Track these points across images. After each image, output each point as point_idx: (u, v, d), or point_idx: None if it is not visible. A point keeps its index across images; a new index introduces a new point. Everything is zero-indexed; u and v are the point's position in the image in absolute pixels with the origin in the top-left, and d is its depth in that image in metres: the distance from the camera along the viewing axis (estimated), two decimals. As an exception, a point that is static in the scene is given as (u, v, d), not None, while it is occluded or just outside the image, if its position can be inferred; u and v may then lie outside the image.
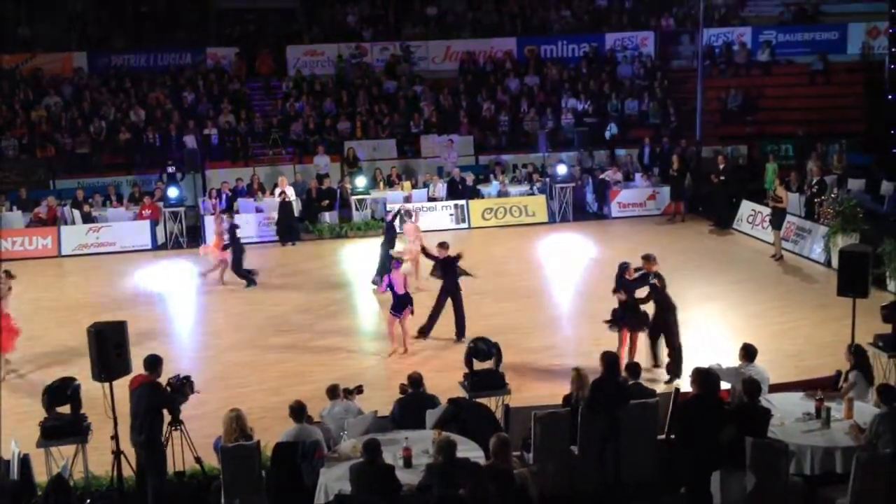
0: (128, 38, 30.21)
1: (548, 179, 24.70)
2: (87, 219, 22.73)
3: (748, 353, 10.26)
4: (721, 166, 23.08)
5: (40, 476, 9.29)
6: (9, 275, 13.34)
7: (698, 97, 25.43)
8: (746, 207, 22.12)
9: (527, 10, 32.20)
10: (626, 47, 30.88)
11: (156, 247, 22.41)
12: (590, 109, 28.27)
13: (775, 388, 10.40)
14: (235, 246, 18.58)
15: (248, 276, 18.64)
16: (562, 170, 24.17)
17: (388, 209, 13.66)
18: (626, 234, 22.45)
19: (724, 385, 9.78)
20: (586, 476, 9.53)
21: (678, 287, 17.05)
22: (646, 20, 31.91)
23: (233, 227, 18.72)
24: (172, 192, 22.86)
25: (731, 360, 10.62)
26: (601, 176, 25.04)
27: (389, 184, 24.75)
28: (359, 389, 10.38)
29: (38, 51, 28.90)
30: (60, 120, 26.75)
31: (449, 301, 14.67)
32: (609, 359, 9.73)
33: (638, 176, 25.13)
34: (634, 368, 10.28)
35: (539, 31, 31.67)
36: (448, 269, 14.64)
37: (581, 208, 24.98)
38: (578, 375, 9.80)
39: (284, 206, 22.48)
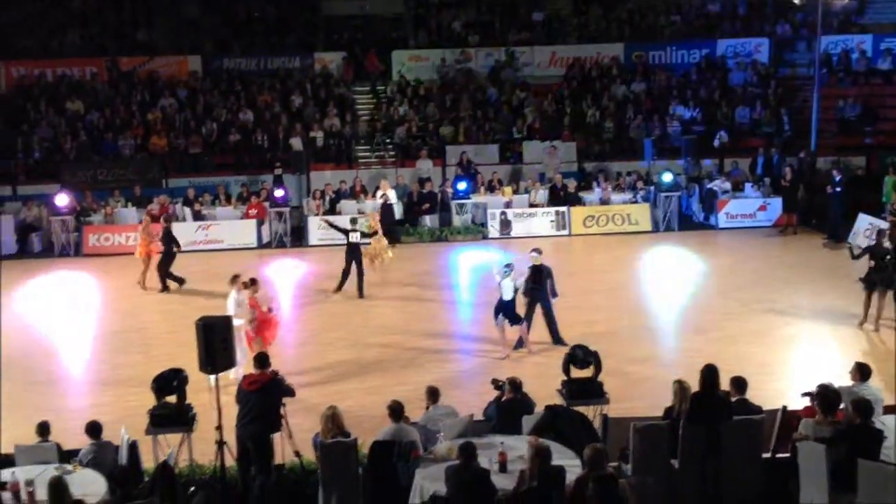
0: (240, 43, 31.05)
1: (652, 187, 24.28)
2: (197, 216, 23.44)
3: (862, 372, 9.84)
4: (837, 178, 22.26)
5: (147, 462, 9.58)
6: (253, 282, 13.67)
7: (814, 106, 24.59)
8: (863, 221, 21.24)
9: (635, 15, 31.80)
10: (739, 54, 30.18)
11: (261, 245, 22.92)
12: (698, 117, 27.71)
13: (890, 409, 9.93)
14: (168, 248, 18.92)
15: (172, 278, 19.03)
16: (667, 178, 23.72)
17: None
18: (733, 245, 21.88)
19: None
20: (686, 491, 9.27)
21: (788, 302, 16.67)
22: (760, 26, 31.12)
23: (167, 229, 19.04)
24: (278, 193, 23.36)
25: (843, 379, 10.19)
26: (709, 185, 24.49)
27: (490, 189, 24.74)
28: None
29: (156, 54, 29.97)
30: (174, 121, 27.65)
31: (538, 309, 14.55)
32: (708, 372, 9.46)
33: (748, 186, 24.46)
34: (740, 383, 9.95)
35: (648, 37, 31.23)
36: (538, 276, 14.47)
37: (686, 218, 24.48)
38: (681, 388, 9.54)
39: (386, 209, 22.70)
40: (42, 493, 7.76)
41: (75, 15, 31.09)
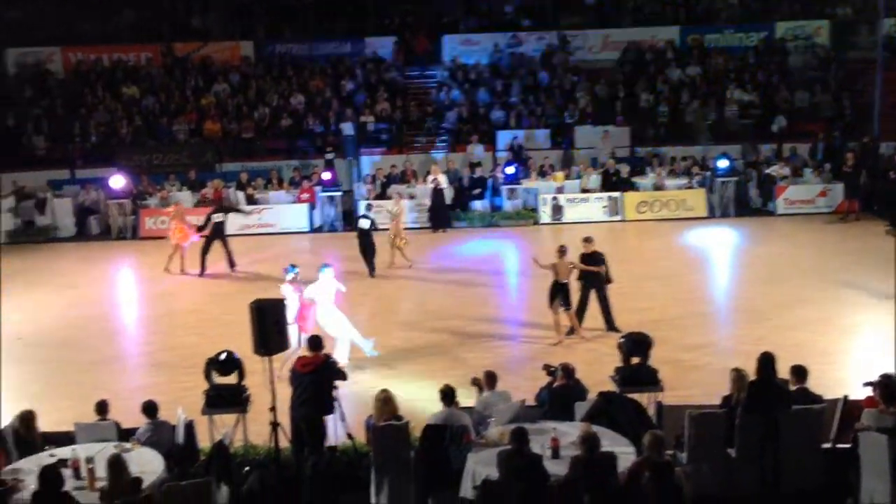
0: (292, 28, 31.17)
1: (708, 173, 23.91)
2: (250, 201, 23.62)
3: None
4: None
5: (203, 442, 9.70)
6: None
7: (877, 90, 23.99)
8: (927, 207, 20.71)
9: (691, -3, 31.32)
10: (798, 37, 29.52)
11: (312, 230, 23.06)
12: (756, 101, 27.20)
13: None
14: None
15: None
16: (723, 163, 23.32)
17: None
18: (791, 231, 21.49)
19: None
20: (743, 480, 9.12)
21: (849, 290, 16.31)
22: (820, 8, 30.44)
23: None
24: (326, 175, 23.46)
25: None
26: (767, 170, 24.05)
27: (542, 174, 24.58)
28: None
29: (209, 40, 30.23)
30: (227, 106, 27.89)
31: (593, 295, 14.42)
32: (764, 360, 9.29)
33: (808, 171, 23.97)
34: (800, 371, 9.75)
35: (704, 20, 30.71)
36: (592, 264, 14.31)
37: (744, 204, 24.06)
38: (739, 376, 9.39)
39: (437, 194, 22.69)
40: (101, 470, 7.88)
41: (131, 1, 31.48)
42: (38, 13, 30.70)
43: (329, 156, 25.22)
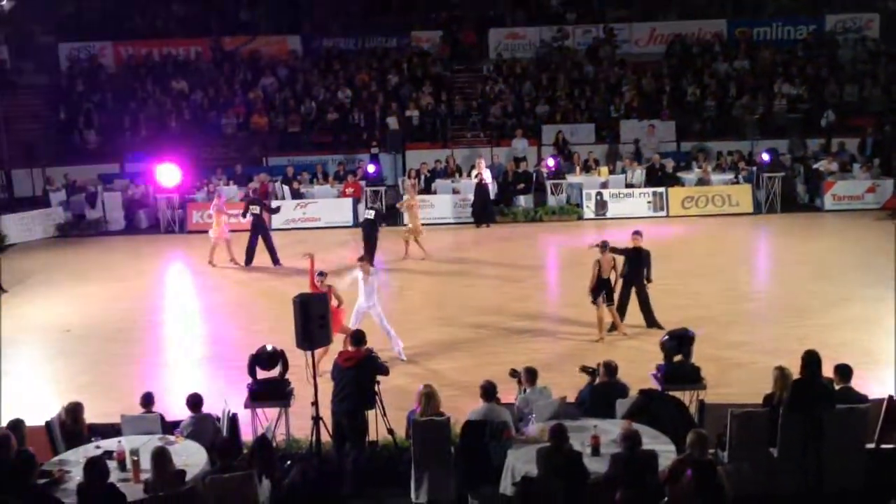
0: (339, 23, 31.34)
1: (755, 168, 23.62)
2: (296, 195, 23.84)
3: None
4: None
5: (246, 436, 9.83)
6: (322, 274, 13.88)
7: (928, 83, 23.53)
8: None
9: (739, -10, 30.94)
10: (849, 29, 29.03)
11: (357, 224, 23.14)
12: (805, 95, 26.79)
13: None
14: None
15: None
16: (766, 157, 23.00)
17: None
18: (839, 228, 21.17)
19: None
20: (785, 480, 9.05)
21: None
22: (871, 1, 29.85)
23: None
24: (370, 168, 23.60)
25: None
26: (815, 166, 23.71)
27: (586, 169, 24.47)
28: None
29: (257, 34, 30.51)
30: (274, 100, 28.15)
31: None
32: (809, 358, 9.18)
33: (856, 166, 23.58)
34: (844, 370, 9.63)
35: (752, 13, 30.31)
36: (636, 260, 14.23)
37: (791, 199, 23.74)
38: (782, 374, 9.29)
39: (480, 189, 22.70)
40: (146, 462, 8.01)
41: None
42: (91, 8, 31.28)
43: (374, 150, 25.35)
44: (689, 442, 7.76)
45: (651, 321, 14.29)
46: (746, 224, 21.89)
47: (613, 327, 14.23)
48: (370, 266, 13.67)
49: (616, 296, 14.19)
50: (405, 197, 20.17)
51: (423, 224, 19.98)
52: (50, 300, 17.61)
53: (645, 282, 14.25)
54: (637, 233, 14.45)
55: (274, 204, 21.56)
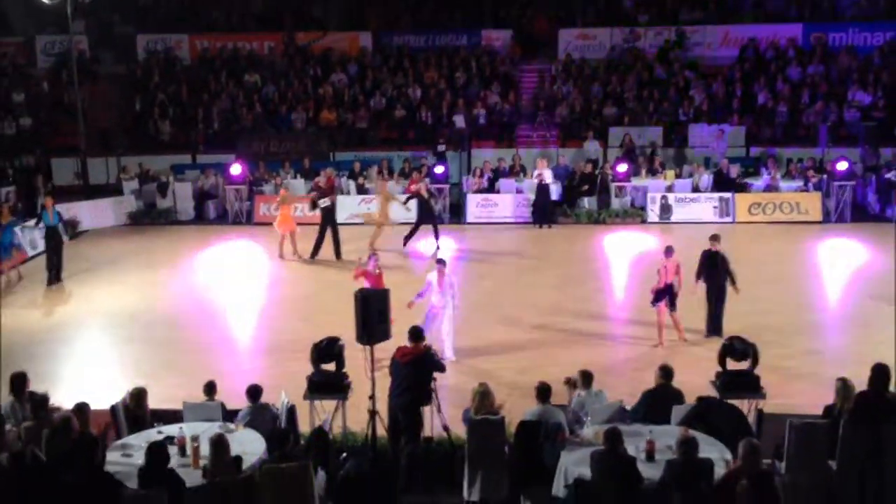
0: (410, 20, 31.52)
1: (825, 176, 23.15)
2: (361, 190, 24.07)
3: None
4: None
5: (304, 427, 9.98)
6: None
7: None
8: None
9: (817, -6, 30.31)
10: (926, 36, 28.26)
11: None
12: (880, 103, 26.16)
13: None
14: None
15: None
16: (842, 166, 22.53)
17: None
18: (910, 239, 20.61)
19: None
20: (844, 495, 8.88)
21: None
22: (952, 7, 29.06)
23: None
24: (439, 169, 23.69)
25: None
26: (887, 175, 23.14)
27: (653, 172, 24.25)
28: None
29: (329, 30, 30.87)
30: (343, 96, 28.44)
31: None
32: (879, 371, 9.01)
33: (931, 176, 22.98)
34: (905, 384, 9.45)
35: (829, 17, 29.67)
36: (709, 265, 14.06)
37: (861, 209, 23.23)
38: (845, 386, 9.13)
39: (541, 189, 22.66)
40: (205, 449, 8.19)
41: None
42: (169, 1, 32.00)
43: (441, 147, 25.47)
44: (740, 453, 7.68)
45: (715, 327, 14.08)
46: (814, 232, 21.48)
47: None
48: (442, 265, 13.59)
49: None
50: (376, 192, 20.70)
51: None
52: (119, 286, 18.09)
53: (729, 286, 13.98)
54: (714, 237, 14.26)
55: (322, 203, 21.46)
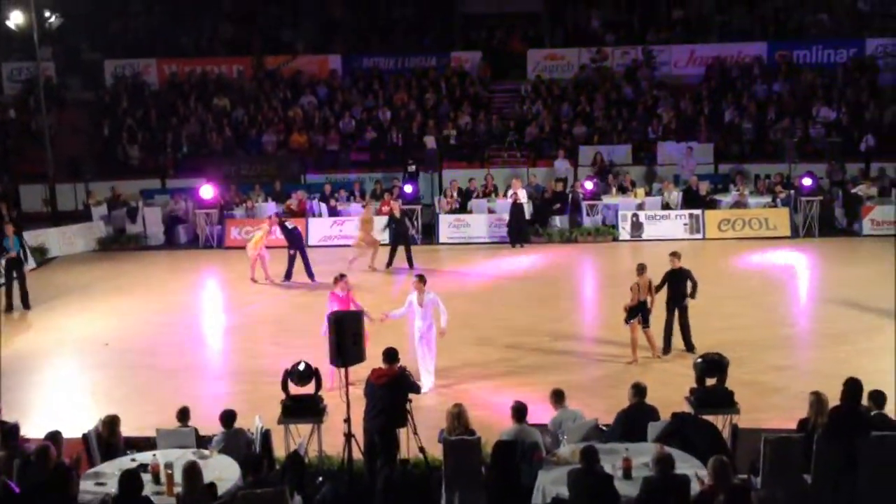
0: (379, 43, 31.64)
1: (792, 192, 23.43)
2: (333, 213, 24.03)
3: None
4: None
5: (279, 451, 9.88)
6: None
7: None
8: None
9: (781, 13, 30.76)
10: (890, 53, 28.74)
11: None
12: (844, 119, 26.57)
13: None
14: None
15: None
16: (808, 182, 22.81)
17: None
18: (877, 253, 20.86)
19: None
20: (819, 507, 8.96)
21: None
22: (913, 24, 29.62)
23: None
24: (407, 188, 23.72)
25: None
26: (853, 190, 23.46)
27: (622, 190, 24.42)
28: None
29: (299, 54, 30.90)
30: (314, 118, 28.44)
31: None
32: (852, 386, 9.09)
33: (896, 191, 23.32)
34: (879, 397, 9.53)
35: (793, 36, 30.14)
36: (676, 281, 14.17)
37: (828, 224, 23.50)
38: (818, 400, 9.20)
39: (516, 209, 22.72)
40: (180, 476, 8.07)
41: (226, 14, 32.40)
42: (137, 27, 31.90)
43: (411, 168, 25.51)
44: (710, 469, 7.70)
45: (688, 345, 14.18)
46: (783, 247, 21.70)
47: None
48: (421, 282, 13.21)
49: (662, 321, 14.10)
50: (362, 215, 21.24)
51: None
52: (89, 313, 17.89)
53: (686, 301, 14.15)
54: (674, 254, 14.40)
55: (290, 225, 21.00)
